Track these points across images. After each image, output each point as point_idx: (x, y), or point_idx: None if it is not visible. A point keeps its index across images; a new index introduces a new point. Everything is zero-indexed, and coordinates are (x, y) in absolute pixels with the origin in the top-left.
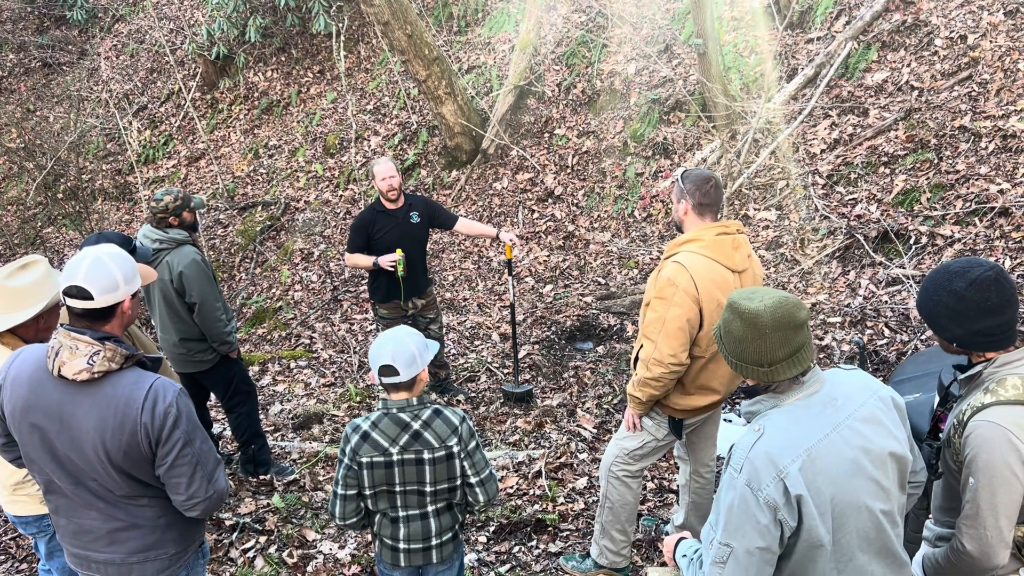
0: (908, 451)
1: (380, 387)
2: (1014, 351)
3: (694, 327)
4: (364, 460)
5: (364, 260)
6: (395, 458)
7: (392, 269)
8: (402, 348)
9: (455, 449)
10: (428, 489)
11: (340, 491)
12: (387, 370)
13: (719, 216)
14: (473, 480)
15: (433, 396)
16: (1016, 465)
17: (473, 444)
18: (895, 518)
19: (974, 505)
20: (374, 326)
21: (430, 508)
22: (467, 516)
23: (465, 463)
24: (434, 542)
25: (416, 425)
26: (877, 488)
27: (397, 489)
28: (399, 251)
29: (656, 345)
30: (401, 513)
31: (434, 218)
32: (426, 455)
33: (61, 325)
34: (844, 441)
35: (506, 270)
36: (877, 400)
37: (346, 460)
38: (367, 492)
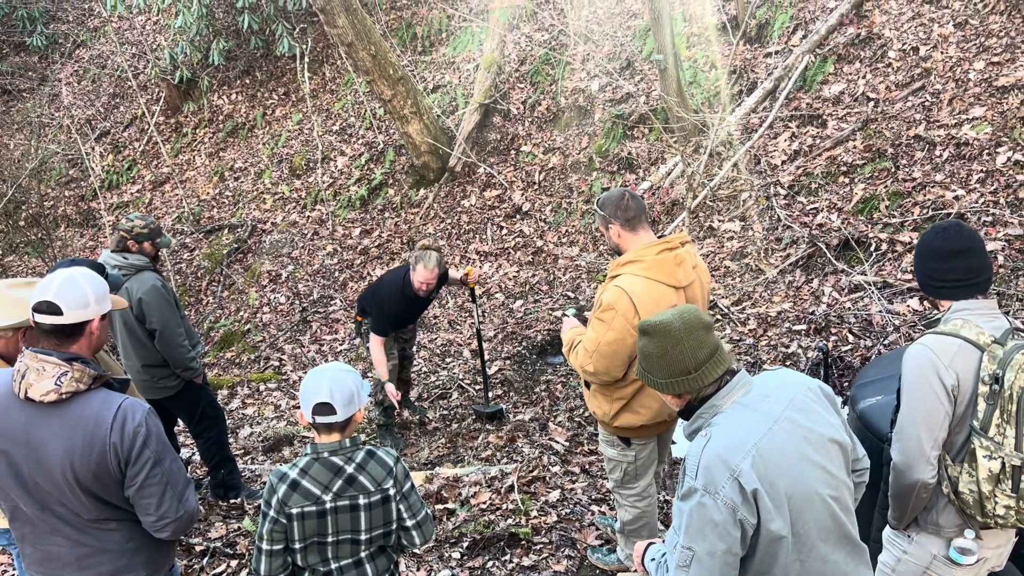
0: (846, 436)
1: (310, 427)
2: (971, 300)
3: (632, 351)
4: (294, 511)
5: (385, 372)
6: (328, 506)
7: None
8: (340, 384)
9: (391, 492)
10: (363, 537)
11: (266, 547)
12: (323, 408)
13: (649, 222)
14: (409, 523)
15: (363, 438)
16: (936, 384)
17: (408, 485)
18: (847, 504)
19: (900, 419)
20: (345, 347)
21: (363, 554)
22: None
23: (401, 506)
24: None
25: (350, 469)
26: (825, 475)
27: (329, 540)
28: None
29: (592, 359)
30: (333, 566)
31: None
32: (361, 500)
33: (27, 348)
34: (786, 432)
35: (469, 295)
36: (807, 390)
37: (272, 513)
38: (296, 546)
